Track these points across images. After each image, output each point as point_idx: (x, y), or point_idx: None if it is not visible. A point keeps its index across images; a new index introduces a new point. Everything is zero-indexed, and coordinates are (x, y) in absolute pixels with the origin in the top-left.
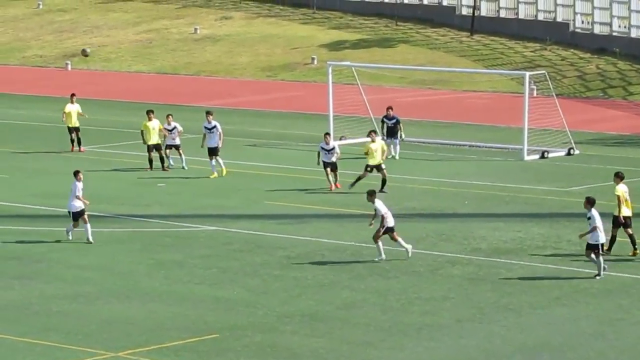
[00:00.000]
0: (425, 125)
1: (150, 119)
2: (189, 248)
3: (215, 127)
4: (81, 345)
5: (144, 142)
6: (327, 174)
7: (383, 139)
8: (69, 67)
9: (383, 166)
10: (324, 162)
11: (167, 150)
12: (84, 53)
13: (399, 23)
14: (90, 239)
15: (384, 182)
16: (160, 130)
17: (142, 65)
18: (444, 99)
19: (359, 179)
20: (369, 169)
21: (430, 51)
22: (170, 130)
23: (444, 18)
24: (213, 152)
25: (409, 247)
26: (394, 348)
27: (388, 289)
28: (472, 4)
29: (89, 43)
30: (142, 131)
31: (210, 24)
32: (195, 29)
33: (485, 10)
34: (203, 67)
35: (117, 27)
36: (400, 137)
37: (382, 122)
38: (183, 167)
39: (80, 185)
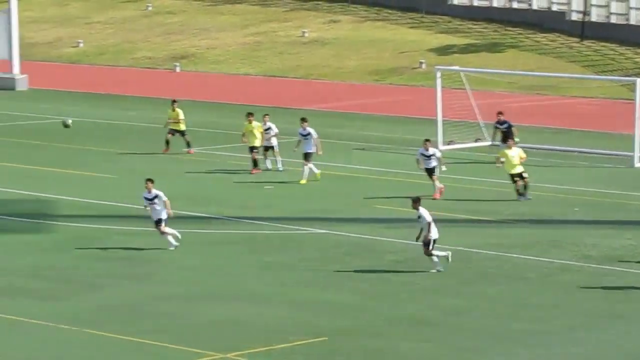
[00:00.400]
0: (534, 130)
1: (250, 122)
2: (297, 251)
3: (309, 133)
4: (190, 346)
5: (249, 144)
6: (433, 180)
7: (494, 144)
8: (178, 69)
9: (525, 174)
10: (426, 169)
11: (265, 152)
12: (65, 124)
13: (507, 28)
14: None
15: (525, 187)
16: (260, 132)
17: (250, 67)
18: (553, 105)
19: (520, 194)
20: (515, 179)
21: (539, 56)
22: (266, 130)
23: (554, 23)
24: (307, 157)
25: (439, 267)
26: (503, 355)
27: (497, 295)
28: (582, 9)
29: (197, 45)
30: (243, 133)
31: (318, 27)
32: (303, 32)
33: (596, 15)
34: (311, 71)
35: (226, 29)
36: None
37: (495, 128)
38: (278, 169)
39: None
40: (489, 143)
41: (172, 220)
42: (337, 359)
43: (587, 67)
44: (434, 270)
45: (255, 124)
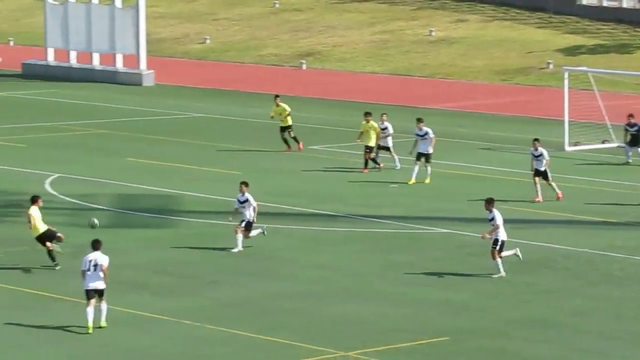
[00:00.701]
0: None
1: (367, 121)
2: (421, 250)
3: (427, 133)
4: (311, 343)
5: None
6: (535, 183)
7: (620, 146)
8: (304, 66)
9: None
10: (535, 170)
11: (378, 151)
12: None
13: (637, 29)
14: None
15: None
16: (377, 132)
17: (377, 66)
18: None
19: None
20: None
21: None
22: (383, 130)
23: None
24: (421, 157)
25: (502, 273)
26: (627, 357)
27: (622, 297)
28: None
29: (324, 43)
30: (361, 132)
31: (445, 26)
32: (430, 31)
33: None
34: (437, 70)
35: (352, 27)
36: None
37: (625, 130)
38: (395, 167)
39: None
40: (616, 144)
41: (296, 217)
42: (458, 358)
43: None
44: (495, 276)
45: (372, 123)
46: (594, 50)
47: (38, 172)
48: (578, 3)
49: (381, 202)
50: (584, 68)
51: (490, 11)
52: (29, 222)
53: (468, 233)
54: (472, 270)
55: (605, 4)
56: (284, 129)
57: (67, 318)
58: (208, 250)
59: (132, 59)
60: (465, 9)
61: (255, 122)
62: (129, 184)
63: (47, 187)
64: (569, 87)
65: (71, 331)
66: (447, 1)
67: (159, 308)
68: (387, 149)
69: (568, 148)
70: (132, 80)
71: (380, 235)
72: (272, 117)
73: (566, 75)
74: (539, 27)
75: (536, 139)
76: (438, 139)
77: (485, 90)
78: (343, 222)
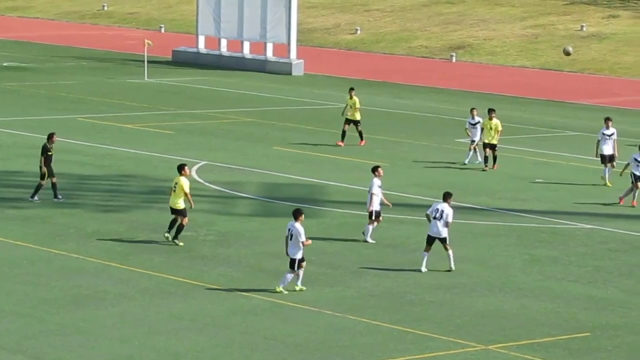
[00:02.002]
0: None
1: (490, 118)
2: (564, 245)
3: (613, 133)
4: (452, 336)
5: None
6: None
7: None
8: (454, 59)
9: None
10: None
11: (472, 147)
12: (566, 52)
13: None
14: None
15: None
16: (497, 131)
17: (526, 60)
18: None
19: None
20: None
21: None
22: (474, 125)
23: None
24: (606, 159)
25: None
26: None
27: None
28: None
29: (475, 36)
30: (482, 129)
31: (596, 21)
32: (582, 26)
33: None
34: (587, 65)
35: (504, 21)
36: None
37: None
38: (475, 162)
39: (377, 182)
40: None
41: None
42: (599, 355)
43: None
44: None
45: (495, 121)
46: None
47: (185, 159)
48: None
49: (526, 197)
50: None
51: None
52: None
53: (612, 229)
54: (615, 266)
55: None
56: (350, 121)
57: (208, 306)
58: (351, 241)
59: (282, 48)
60: (617, 5)
61: (403, 114)
62: (275, 173)
63: (194, 174)
64: None
65: (213, 319)
66: None
67: (301, 297)
68: (473, 142)
69: None
70: (281, 70)
71: (523, 229)
72: (345, 109)
73: None
74: None
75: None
76: (586, 135)
77: (636, 87)
78: (487, 216)
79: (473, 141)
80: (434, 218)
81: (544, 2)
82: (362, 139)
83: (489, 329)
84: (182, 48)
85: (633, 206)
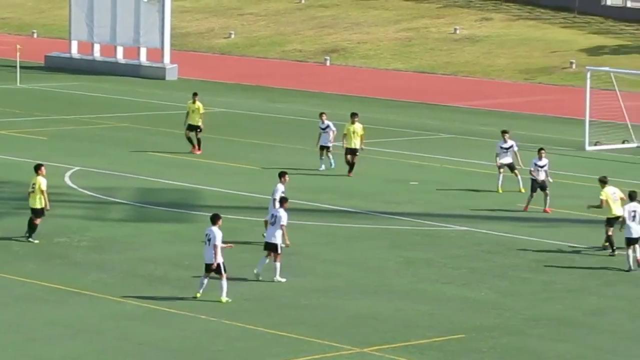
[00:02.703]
0: None
1: (353, 122)
2: (438, 247)
3: (328, 126)
4: (327, 339)
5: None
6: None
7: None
8: (328, 62)
9: None
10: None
11: (320, 152)
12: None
13: None
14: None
15: None
16: (360, 136)
17: (400, 63)
18: None
19: None
20: None
21: None
22: (324, 129)
23: None
24: (324, 149)
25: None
26: None
27: (637, 297)
28: None
29: (349, 39)
30: (344, 134)
31: (470, 24)
32: (455, 29)
33: None
34: (461, 68)
35: (377, 24)
36: None
37: None
38: (320, 168)
39: (281, 187)
40: (636, 144)
41: (316, 212)
42: (474, 356)
43: None
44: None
45: (357, 125)
46: (616, 50)
47: (58, 165)
48: (602, 3)
49: (400, 199)
50: (607, 68)
51: (515, 10)
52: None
53: (485, 231)
54: (489, 268)
55: (629, 4)
56: (192, 127)
57: (82, 312)
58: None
59: (156, 53)
60: (490, 8)
61: (277, 118)
62: (149, 178)
63: (67, 180)
64: (591, 87)
65: (87, 325)
66: (472, 0)
67: (176, 302)
68: (327, 149)
69: (588, 147)
70: (155, 74)
71: (397, 232)
72: (187, 117)
73: (588, 75)
74: (563, 27)
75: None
76: (460, 137)
77: (508, 89)
78: (362, 219)
79: (325, 147)
80: (271, 224)
81: (418, 5)
82: (199, 147)
83: (363, 331)
84: (55, 53)
85: (546, 212)
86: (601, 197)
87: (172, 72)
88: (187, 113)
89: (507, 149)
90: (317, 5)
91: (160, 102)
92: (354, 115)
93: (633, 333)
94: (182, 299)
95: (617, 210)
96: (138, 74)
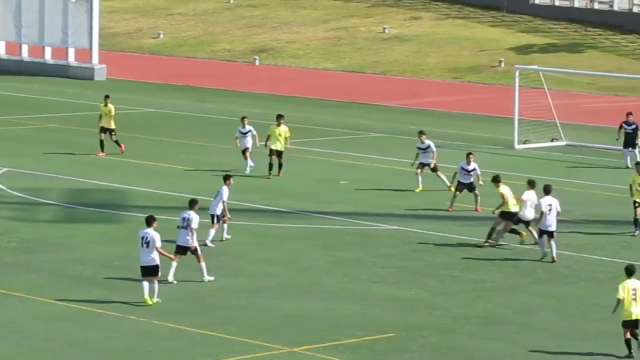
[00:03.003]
0: (612, 131)
1: (279, 124)
2: (369, 246)
3: (429, 146)
4: (258, 339)
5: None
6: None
7: (568, 144)
8: (257, 62)
9: None
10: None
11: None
12: None
13: (588, 29)
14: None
15: None
16: (285, 137)
17: (330, 62)
18: (631, 107)
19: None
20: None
21: (619, 58)
22: (244, 134)
23: (635, 25)
24: (245, 152)
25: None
26: (572, 354)
27: (567, 295)
28: None
29: (278, 39)
30: (268, 135)
31: (399, 23)
32: (384, 28)
33: None
34: (390, 67)
35: (307, 24)
36: (637, 145)
37: (620, 127)
38: (249, 168)
39: (226, 190)
40: (564, 143)
41: (246, 212)
42: (404, 355)
43: None
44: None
45: (283, 127)
46: (545, 49)
47: None
48: (531, 2)
49: (331, 199)
50: (535, 67)
51: (444, 9)
52: None
53: (416, 230)
54: (419, 267)
55: (557, 3)
56: (105, 130)
57: (11, 313)
58: None
59: (84, 53)
60: (419, 7)
61: (206, 118)
62: (78, 179)
63: None
64: (520, 86)
65: (16, 326)
66: None
67: (106, 303)
68: (247, 150)
69: (517, 146)
70: (84, 75)
71: (328, 232)
72: (100, 119)
73: (517, 73)
74: (492, 26)
75: (470, 153)
76: (390, 137)
77: (437, 88)
78: (293, 218)
79: (247, 149)
80: (182, 227)
81: (346, 4)
82: (119, 145)
83: (294, 331)
84: None
85: (477, 210)
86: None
87: (101, 72)
88: (100, 116)
89: (424, 149)
90: (246, 5)
91: (89, 103)
92: (279, 117)
93: (562, 331)
94: (111, 300)
95: (513, 207)
96: (66, 75)
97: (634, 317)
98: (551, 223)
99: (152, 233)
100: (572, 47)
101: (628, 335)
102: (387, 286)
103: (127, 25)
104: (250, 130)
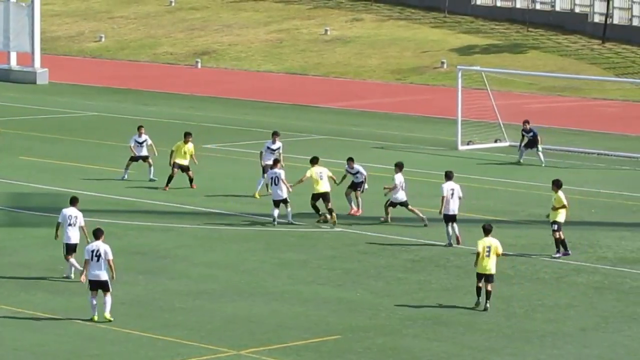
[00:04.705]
0: (554, 132)
1: (186, 142)
2: (313, 248)
3: (145, 140)
4: (204, 342)
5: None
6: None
7: (512, 145)
8: (199, 65)
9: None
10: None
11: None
12: None
13: (530, 29)
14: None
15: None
16: (191, 155)
17: (272, 65)
18: (573, 107)
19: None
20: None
21: (560, 58)
22: (140, 143)
23: (576, 25)
24: (145, 159)
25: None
26: (516, 355)
27: (511, 295)
28: (604, 11)
29: (219, 42)
30: (172, 151)
31: (340, 25)
32: (326, 30)
33: (618, 18)
34: (332, 69)
35: (248, 26)
36: (537, 149)
37: (522, 135)
38: (151, 179)
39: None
40: (508, 144)
41: (189, 215)
42: (349, 357)
43: (608, 70)
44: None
45: (190, 145)
46: (487, 50)
47: None
48: (472, 3)
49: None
50: (478, 67)
51: (385, 10)
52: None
53: (359, 231)
54: (363, 268)
55: (498, 4)
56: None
57: None
58: None
59: (26, 57)
60: (360, 8)
61: (148, 121)
62: (21, 182)
63: None
64: (463, 87)
65: None
66: (343, 0)
67: (51, 307)
68: (146, 158)
69: (461, 147)
70: (25, 79)
71: (272, 234)
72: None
73: (459, 74)
74: (433, 27)
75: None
76: (332, 138)
77: (380, 90)
78: (236, 220)
79: (140, 158)
80: (71, 225)
81: (288, 6)
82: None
83: (239, 333)
84: None
85: (357, 214)
86: (307, 174)
87: (43, 76)
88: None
89: (273, 150)
90: (187, 7)
91: (32, 107)
92: (187, 135)
93: (508, 331)
94: (56, 303)
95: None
96: (8, 79)
97: (487, 271)
98: (454, 208)
99: (103, 245)
100: (514, 48)
101: (480, 285)
102: (332, 288)
103: (69, 29)
104: (146, 140)
